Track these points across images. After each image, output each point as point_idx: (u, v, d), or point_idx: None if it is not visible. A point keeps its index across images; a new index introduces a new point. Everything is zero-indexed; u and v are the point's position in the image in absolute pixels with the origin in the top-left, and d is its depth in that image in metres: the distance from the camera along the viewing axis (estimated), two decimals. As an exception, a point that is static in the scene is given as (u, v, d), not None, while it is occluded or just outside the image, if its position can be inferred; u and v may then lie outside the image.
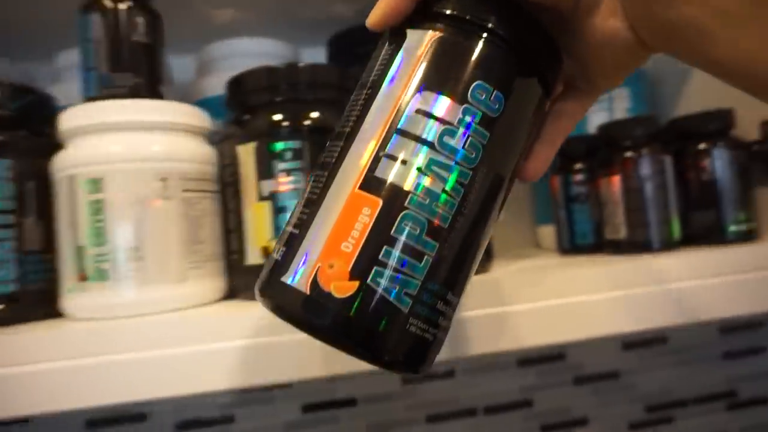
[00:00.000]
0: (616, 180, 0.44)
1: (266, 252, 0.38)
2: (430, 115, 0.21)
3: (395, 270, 0.20)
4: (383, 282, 0.20)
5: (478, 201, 0.21)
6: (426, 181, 0.20)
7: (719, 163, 0.44)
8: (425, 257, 0.20)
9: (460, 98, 0.21)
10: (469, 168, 0.21)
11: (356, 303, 0.19)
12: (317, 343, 0.22)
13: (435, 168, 0.20)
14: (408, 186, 0.20)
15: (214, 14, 0.53)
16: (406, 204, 0.20)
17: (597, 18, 0.23)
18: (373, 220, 0.20)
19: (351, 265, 0.20)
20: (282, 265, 0.21)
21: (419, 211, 0.20)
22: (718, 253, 0.40)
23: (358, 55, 0.54)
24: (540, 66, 0.23)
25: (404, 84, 0.21)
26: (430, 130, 0.21)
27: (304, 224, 0.21)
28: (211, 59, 0.53)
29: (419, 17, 0.23)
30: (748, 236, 0.44)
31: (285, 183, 0.38)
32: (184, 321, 0.34)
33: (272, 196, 0.38)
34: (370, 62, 0.24)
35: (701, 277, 0.40)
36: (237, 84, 0.41)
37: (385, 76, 0.22)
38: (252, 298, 0.39)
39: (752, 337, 0.71)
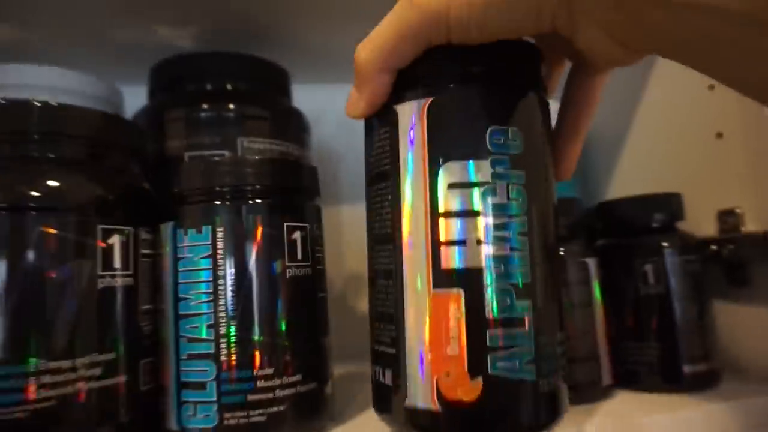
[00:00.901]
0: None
1: None
2: (462, 185, 0.20)
3: (507, 348, 0.20)
4: (502, 365, 0.19)
5: (543, 237, 0.21)
6: (492, 250, 0.20)
7: (667, 273, 0.31)
8: (526, 320, 0.20)
9: (482, 153, 0.20)
10: (522, 214, 0.20)
11: (488, 398, 0.19)
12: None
13: (494, 233, 0.20)
14: (478, 263, 0.20)
15: (-12, 29, 0.38)
16: (485, 282, 0.20)
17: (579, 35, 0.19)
18: (464, 312, 0.19)
19: (466, 366, 0.19)
20: (396, 389, 0.21)
21: (501, 282, 0.20)
22: (669, 406, 0.28)
23: (189, 94, 0.40)
24: (530, 74, 0.22)
25: (421, 163, 0.20)
26: (471, 199, 0.20)
27: (396, 342, 0.21)
28: (-30, 88, 0.37)
29: (401, 89, 0.21)
30: (708, 379, 0.31)
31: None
32: None
33: None
34: (370, 149, 0.23)
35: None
36: None
37: (397, 162, 0.21)
38: None
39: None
